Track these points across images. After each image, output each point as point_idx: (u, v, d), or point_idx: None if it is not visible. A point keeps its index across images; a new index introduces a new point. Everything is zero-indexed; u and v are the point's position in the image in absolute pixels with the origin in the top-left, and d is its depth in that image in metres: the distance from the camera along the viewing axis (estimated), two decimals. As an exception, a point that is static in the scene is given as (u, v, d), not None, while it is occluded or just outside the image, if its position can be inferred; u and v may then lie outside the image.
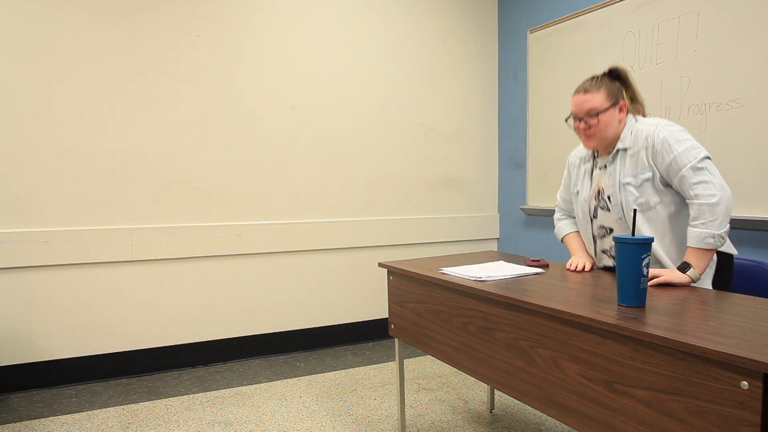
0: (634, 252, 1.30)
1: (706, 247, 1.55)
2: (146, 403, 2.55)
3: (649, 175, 1.70)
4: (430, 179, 3.68)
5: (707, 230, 1.55)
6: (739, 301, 1.36)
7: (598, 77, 1.80)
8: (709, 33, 2.45)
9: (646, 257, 1.31)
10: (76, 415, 2.41)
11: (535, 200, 3.56)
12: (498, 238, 3.97)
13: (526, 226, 3.73)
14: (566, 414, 1.33)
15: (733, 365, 0.96)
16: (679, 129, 1.67)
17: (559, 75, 3.30)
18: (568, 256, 2.12)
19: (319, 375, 2.91)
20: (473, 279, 1.71)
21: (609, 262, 1.86)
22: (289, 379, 2.84)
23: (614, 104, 1.76)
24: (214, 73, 3.02)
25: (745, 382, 0.94)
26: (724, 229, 1.56)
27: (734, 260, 1.77)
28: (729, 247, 1.75)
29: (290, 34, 3.20)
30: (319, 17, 3.27)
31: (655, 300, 1.38)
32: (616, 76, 1.81)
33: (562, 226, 2.08)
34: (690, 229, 1.59)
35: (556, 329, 1.35)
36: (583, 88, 1.79)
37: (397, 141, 3.55)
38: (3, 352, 2.65)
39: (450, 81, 3.72)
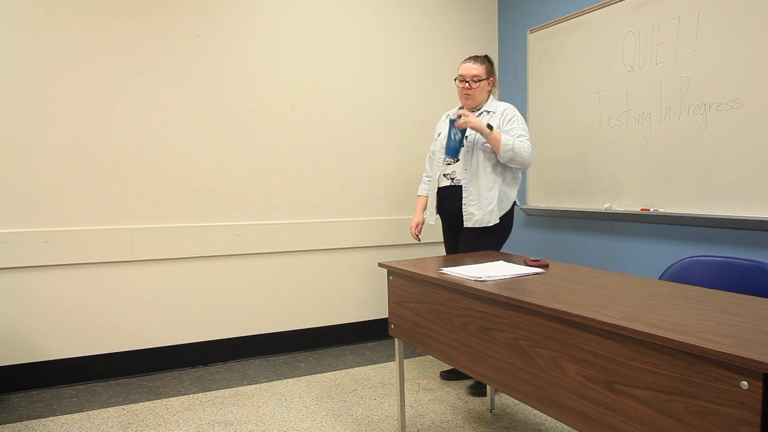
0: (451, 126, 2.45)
1: (504, 141, 2.43)
2: (146, 403, 2.55)
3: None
4: (430, 179, 3.68)
5: (512, 139, 2.46)
6: (739, 301, 1.36)
7: (481, 56, 2.63)
8: (709, 33, 2.45)
9: (456, 133, 2.47)
10: (76, 415, 2.41)
11: (535, 200, 3.56)
12: (498, 238, 3.96)
13: (526, 226, 3.73)
14: (566, 414, 1.33)
15: (733, 365, 0.96)
16: (522, 119, 2.60)
17: (559, 75, 3.30)
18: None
19: (319, 375, 2.91)
20: (473, 279, 1.71)
21: (445, 182, 2.65)
22: (289, 379, 2.84)
23: (487, 78, 2.61)
24: (215, 73, 3.02)
25: (745, 382, 0.94)
26: (508, 147, 2.44)
27: (513, 208, 2.67)
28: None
29: (290, 34, 3.20)
30: (319, 17, 3.27)
31: (655, 299, 1.38)
32: (489, 61, 2.65)
33: (420, 188, 2.90)
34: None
35: (556, 329, 1.35)
36: (473, 60, 2.61)
37: (397, 141, 3.55)
38: (3, 352, 2.65)
39: (450, 81, 3.72)
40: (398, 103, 3.54)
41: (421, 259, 2.22)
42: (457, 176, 2.61)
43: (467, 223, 2.58)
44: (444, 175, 2.66)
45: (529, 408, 2.45)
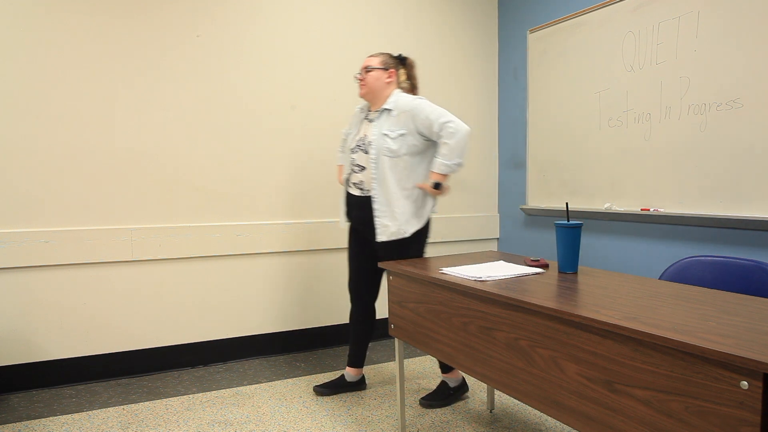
0: (575, 233, 1.78)
1: (445, 169, 2.26)
2: (146, 403, 2.55)
3: (404, 131, 2.32)
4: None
5: (443, 161, 2.25)
6: (739, 301, 1.36)
7: (386, 53, 2.48)
8: (709, 33, 2.45)
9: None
10: (76, 415, 2.41)
11: (535, 200, 3.57)
12: (498, 238, 3.97)
13: (526, 226, 3.73)
14: (566, 414, 1.33)
15: (733, 365, 0.96)
16: (433, 105, 2.32)
17: (560, 75, 3.30)
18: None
19: (319, 375, 2.91)
20: (473, 279, 1.71)
21: (352, 190, 2.46)
22: (289, 379, 2.84)
23: (384, 69, 2.41)
24: (215, 73, 3.01)
25: (745, 382, 0.94)
26: (454, 162, 2.26)
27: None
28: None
29: (290, 33, 3.20)
30: (319, 17, 3.27)
31: (655, 299, 1.38)
32: (401, 59, 2.51)
33: (337, 158, 2.72)
34: (435, 160, 2.28)
35: (556, 329, 1.35)
36: (371, 54, 2.48)
37: (397, 141, 3.55)
38: (3, 352, 2.65)
39: (450, 81, 3.72)
40: (398, 103, 3.53)
41: (421, 259, 2.22)
42: (366, 186, 2.39)
43: (381, 237, 2.36)
44: (353, 183, 2.45)
45: (529, 408, 2.45)
